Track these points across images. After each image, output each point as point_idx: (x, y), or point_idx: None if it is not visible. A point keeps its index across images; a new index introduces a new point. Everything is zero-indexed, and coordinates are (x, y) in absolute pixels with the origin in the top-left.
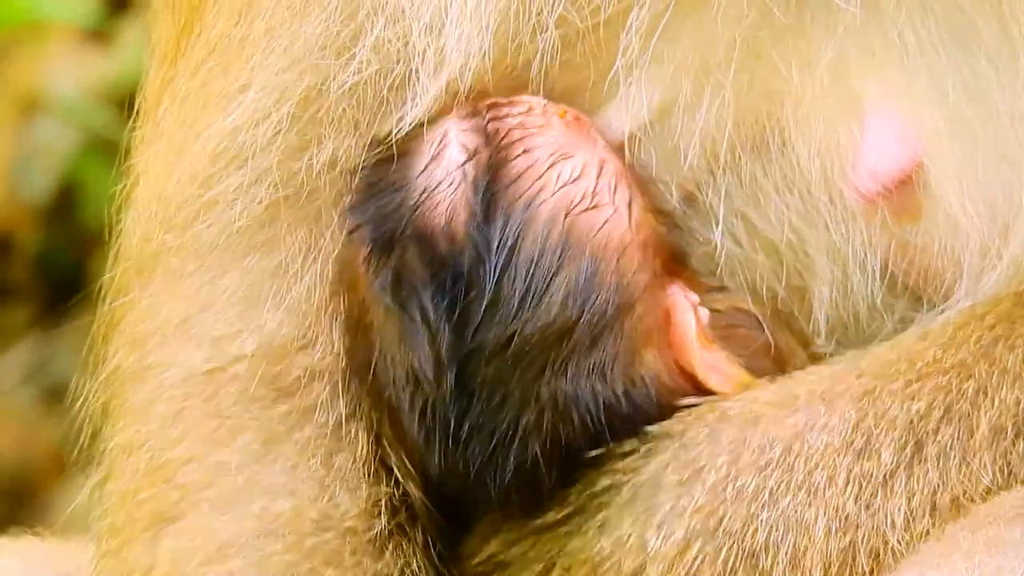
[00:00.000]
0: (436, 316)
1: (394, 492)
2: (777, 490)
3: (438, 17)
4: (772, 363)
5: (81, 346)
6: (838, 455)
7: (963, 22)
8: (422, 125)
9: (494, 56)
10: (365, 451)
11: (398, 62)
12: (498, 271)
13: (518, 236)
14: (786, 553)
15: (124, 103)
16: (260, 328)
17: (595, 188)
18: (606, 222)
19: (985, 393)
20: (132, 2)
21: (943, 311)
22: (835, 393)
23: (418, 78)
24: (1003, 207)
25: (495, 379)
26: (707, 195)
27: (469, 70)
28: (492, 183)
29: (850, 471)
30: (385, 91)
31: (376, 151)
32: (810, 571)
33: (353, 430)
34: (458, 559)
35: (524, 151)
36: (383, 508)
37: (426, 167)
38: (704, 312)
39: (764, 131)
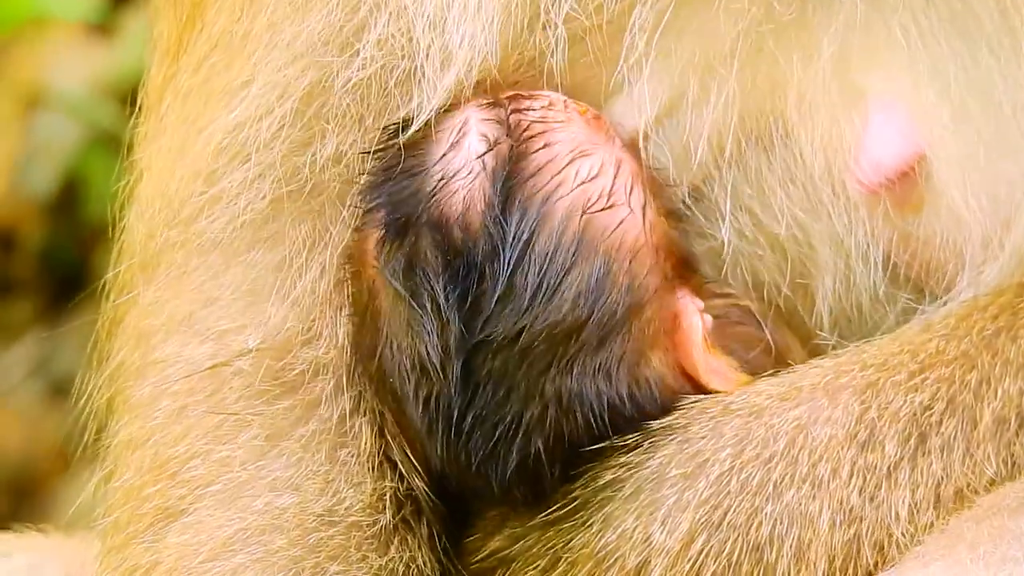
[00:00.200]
0: (446, 305)
1: (399, 486)
2: (781, 483)
3: (440, 13)
4: (772, 362)
5: (85, 342)
6: (842, 448)
7: (965, 13)
8: (439, 113)
9: (500, 53)
10: (369, 445)
11: (402, 58)
12: (512, 264)
13: (534, 230)
14: (791, 546)
15: (127, 98)
16: (264, 323)
17: (612, 188)
18: (621, 223)
19: (988, 384)
20: None
21: (945, 302)
22: (838, 385)
23: (423, 74)
24: (1005, 198)
25: (501, 372)
26: (713, 190)
27: (475, 66)
28: (511, 175)
29: (854, 463)
30: (391, 85)
31: (391, 139)
32: (815, 564)
33: (357, 424)
34: (462, 554)
35: (545, 145)
36: (388, 502)
37: (444, 155)
38: (708, 318)
39: (768, 124)
